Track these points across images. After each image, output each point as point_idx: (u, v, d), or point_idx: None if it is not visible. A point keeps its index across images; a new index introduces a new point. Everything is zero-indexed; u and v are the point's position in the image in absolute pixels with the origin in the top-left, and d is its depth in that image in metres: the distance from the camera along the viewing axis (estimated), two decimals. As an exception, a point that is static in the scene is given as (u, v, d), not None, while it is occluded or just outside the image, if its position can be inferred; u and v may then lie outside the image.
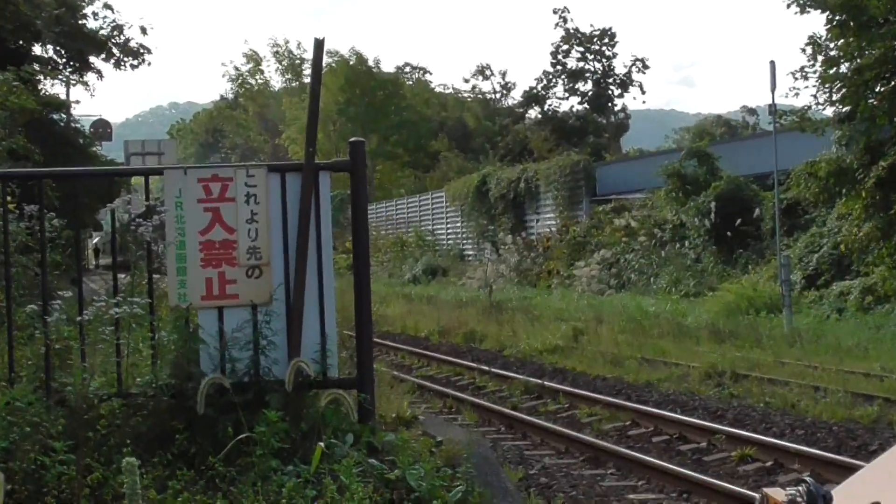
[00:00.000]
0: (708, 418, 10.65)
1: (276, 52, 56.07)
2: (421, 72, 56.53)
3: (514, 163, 37.39)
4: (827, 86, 17.32)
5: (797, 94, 18.16)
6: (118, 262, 8.31)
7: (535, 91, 46.15)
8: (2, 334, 6.94)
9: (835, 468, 8.07)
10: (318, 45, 6.76)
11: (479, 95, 51.63)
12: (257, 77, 56.02)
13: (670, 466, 8.67)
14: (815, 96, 17.62)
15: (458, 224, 36.40)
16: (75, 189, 10.48)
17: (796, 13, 17.44)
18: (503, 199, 32.69)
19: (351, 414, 6.42)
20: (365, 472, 5.89)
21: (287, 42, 60.93)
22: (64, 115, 21.97)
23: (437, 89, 54.37)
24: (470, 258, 34.69)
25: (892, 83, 16.60)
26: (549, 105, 45.07)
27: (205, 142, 57.81)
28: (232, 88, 56.98)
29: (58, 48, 21.13)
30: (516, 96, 49.44)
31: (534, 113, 45.83)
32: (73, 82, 22.91)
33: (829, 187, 18.15)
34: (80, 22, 21.47)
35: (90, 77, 23.00)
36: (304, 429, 6.30)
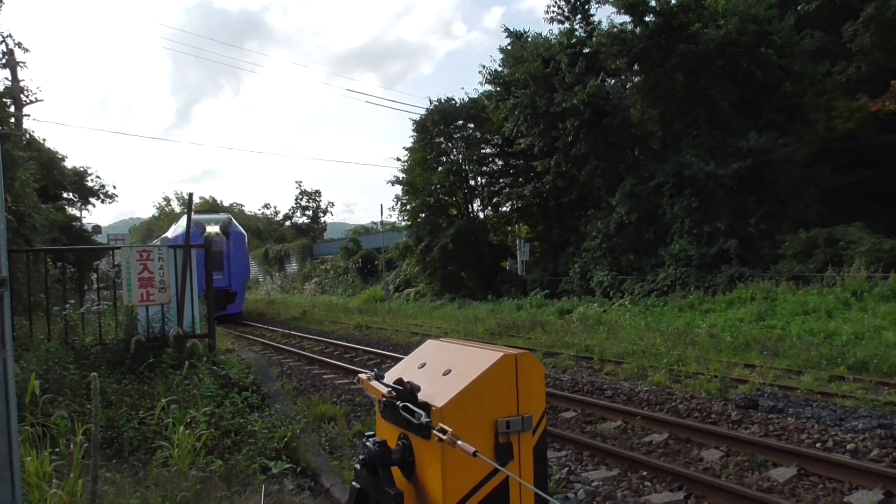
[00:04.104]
0: (355, 343, 16.56)
1: (177, 195, 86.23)
2: (241, 205, 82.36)
3: (279, 244, 59.65)
4: (403, 214, 31.11)
5: (391, 216, 33.91)
6: (101, 286, 11.07)
7: (288, 214, 74.52)
8: (44, 319, 8.88)
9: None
10: (190, 196, 9.77)
11: (268, 216, 79.66)
12: (168, 208, 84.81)
13: (341, 364, 12.99)
14: (398, 218, 32.12)
15: (258, 268, 55.17)
16: (81, 256, 13.91)
17: (390, 184, 32.02)
18: (276, 258, 54.16)
19: (204, 349, 8.59)
20: (211, 373, 7.72)
21: (181, 193, 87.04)
22: (77, 223, 31.66)
23: (248, 213, 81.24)
24: (261, 282, 54.33)
25: (424, 214, 29.93)
26: (294, 220, 73.40)
27: (144, 237, 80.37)
28: (157, 213, 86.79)
29: (74, 193, 31.77)
30: (281, 216, 77.81)
31: (289, 223, 73.23)
32: (82, 208, 33.46)
33: (403, 253, 31.66)
34: (84, 181, 31.92)
35: (90, 207, 34.02)
36: (183, 356, 8.16)
